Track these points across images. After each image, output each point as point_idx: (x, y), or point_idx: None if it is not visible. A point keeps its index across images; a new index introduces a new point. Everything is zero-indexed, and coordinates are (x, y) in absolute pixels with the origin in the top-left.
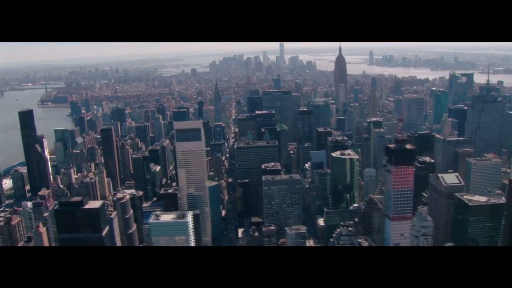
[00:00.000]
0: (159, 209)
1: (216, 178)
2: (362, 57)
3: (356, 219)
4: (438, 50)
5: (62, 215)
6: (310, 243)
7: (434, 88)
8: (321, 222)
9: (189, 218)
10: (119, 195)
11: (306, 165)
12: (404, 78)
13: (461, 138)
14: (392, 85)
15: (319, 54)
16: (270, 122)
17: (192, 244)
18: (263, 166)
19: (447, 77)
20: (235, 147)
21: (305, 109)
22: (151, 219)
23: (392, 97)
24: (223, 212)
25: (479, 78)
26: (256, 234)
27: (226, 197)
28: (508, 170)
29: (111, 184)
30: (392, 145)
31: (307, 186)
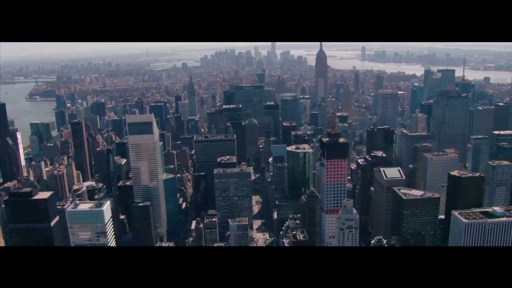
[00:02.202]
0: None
1: (180, 171)
2: (356, 52)
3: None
4: (432, 46)
5: (11, 205)
6: (265, 236)
7: (416, 84)
8: (276, 215)
9: (105, 207)
10: (75, 187)
11: (270, 159)
12: (392, 73)
13: (424, 133)
14: (375, 80)
15: (313, 49)
16: (237, 116)
17: (110, 233)
18: (218, 160)
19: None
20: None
21: (272, 103)
22: (69, 208)
23: (374, 92)
24: (184, 205)
25: (469, 75)
26: (201, 226)
27: (191, 190)
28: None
29: (80, 177)
30: (325, 139)
31: (269, 180)
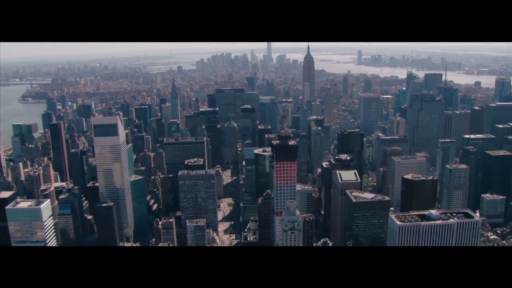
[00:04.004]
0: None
1: (154, 173)
2: (353, 56)
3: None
4: (429, 51)
5: None
6: (231, 237)
7: (404, 88)
8: (241, 217)
9: (43, 206)
10: (42, 187)
11: (244, 161)
12: (385, 77)
13: (396, 137)
14: (364, 84)
15: (311, 53)
16: (213, 119)
17: (49, 231)
18: (186, 162)
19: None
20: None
21: (249, 106)
22: (9, 206)
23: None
24: (156, 206)
25: (462, 79)
26: (159, 226)
27: None
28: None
29: (58, 177)
30: (275, 142)
31: (241, 182)
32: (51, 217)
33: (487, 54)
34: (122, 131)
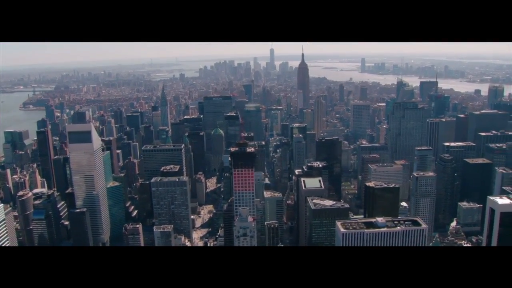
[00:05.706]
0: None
1: (135, 180)
2: (357, 64)
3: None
4: (434, 59)
5: None
6: (210, 243)
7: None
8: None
9: None
10: (20, 193)
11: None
12: (386, 85)
13: (376, 145)
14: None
15: (317, 60)
16: (198, 126)
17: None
18: (162, 168)
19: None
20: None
21: (233, 114)
22: None
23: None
24: (135, 212)
25: (463, 87)
26: (126, 232)
27: None
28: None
29: (45, 184)
30: (234, 149)
31: (222, 189)
32: (4, 221)
33: (492, 63)
34: (96, 138)
